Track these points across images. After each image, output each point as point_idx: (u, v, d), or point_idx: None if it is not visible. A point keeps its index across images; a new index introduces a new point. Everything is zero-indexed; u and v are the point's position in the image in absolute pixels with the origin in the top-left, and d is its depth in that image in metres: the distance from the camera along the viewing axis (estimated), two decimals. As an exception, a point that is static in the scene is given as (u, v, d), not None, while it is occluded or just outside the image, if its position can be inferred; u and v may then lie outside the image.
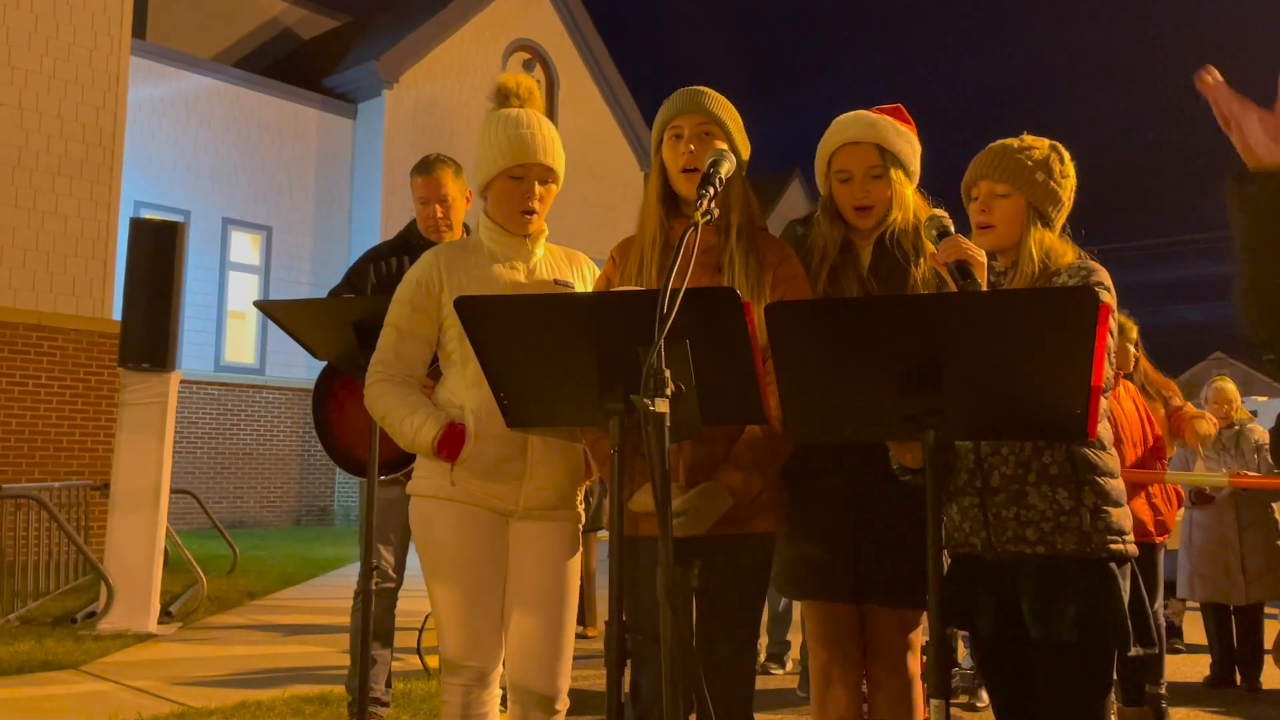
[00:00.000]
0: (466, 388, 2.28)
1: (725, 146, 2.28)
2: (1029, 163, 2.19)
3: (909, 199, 2.44)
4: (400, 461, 3.25)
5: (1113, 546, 2.02)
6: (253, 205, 15.10)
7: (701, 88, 2.34)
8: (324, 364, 3.35)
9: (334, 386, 3.47)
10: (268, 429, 14.94)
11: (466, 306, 1.90)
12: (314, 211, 15.75)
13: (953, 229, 2.06)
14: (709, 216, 1.90)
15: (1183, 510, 5.42)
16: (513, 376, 1.96)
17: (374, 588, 3.36)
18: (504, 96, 2.40)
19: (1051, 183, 2.19)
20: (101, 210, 9.26)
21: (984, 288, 1.96)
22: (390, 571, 3.51)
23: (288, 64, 18.18)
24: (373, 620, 3.37)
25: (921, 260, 2.38)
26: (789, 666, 5.32)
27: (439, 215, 3.55)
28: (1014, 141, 2.23)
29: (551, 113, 17.36)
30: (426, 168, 3.58)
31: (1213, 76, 1.53)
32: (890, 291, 2.36)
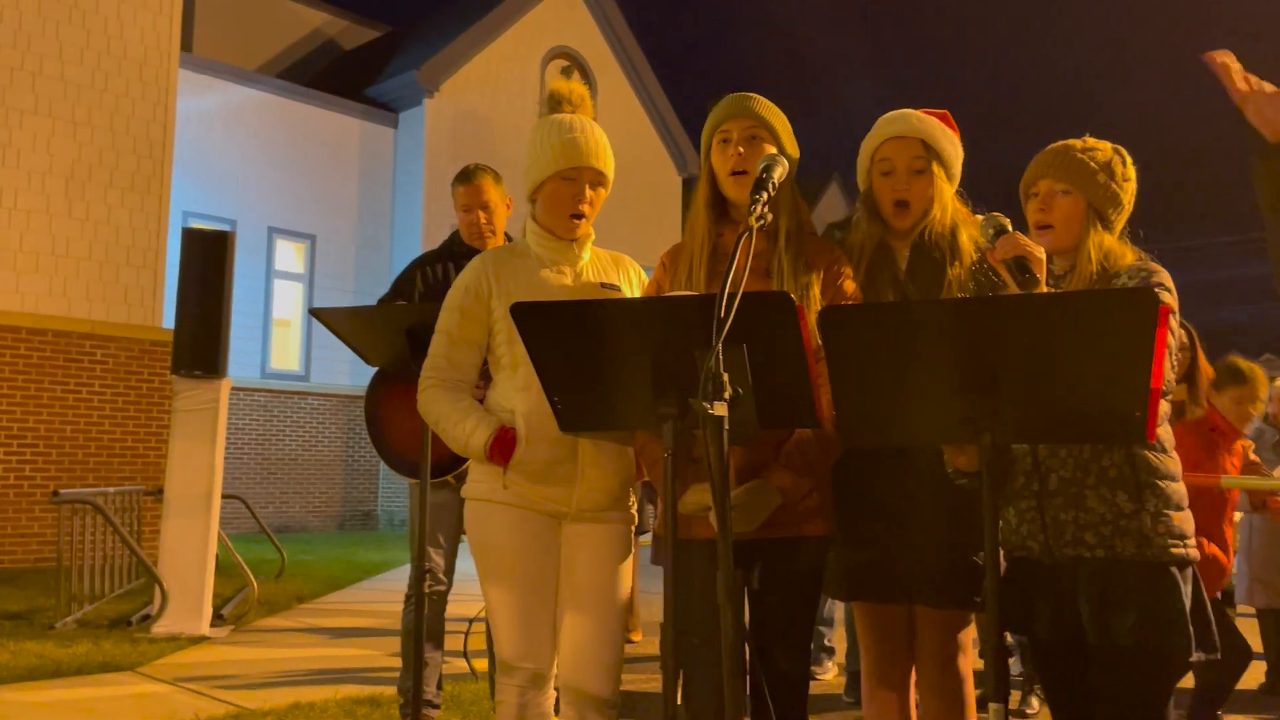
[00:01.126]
0: (516, 392, 2.31)
1: (774, 150, 2.29)
2: (1092, 164, 2.18)
3: (949, 199, 2.44)
4: (449, 464, 3.29)
5: (1174, 550, 1.99)
6: (297, 214, 15.31)
7: (750, 93, 2.36)
8: (374, 370, 3.41)
9: (386, 391, 3.53)
10: (312, 435, 15.13)
11: (522, 312, 1.93)
12: (357, 219, 15.93)
13: (1010, 227, 2.05)
14: (763, 221, 1.91)
15: (1240, 515, 5.33)
16: (567, 381, 1.99)
17: (425, 590, 3.41)
18: (556, 103, 2.43)
19: (1114, 185, 2.18)
20: (152, 220, 9.45)
21: (1043, 283, 1.95)
22: (440, 574, 3.56)
23: (330, 75, 18.43)
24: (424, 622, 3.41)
25: (957, 262, 2.37)
26: (834, 671, 5.29)
27: (482, 221, 3.62)
28: (1076, 142, 2.22)
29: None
30: (467, 176, 3.66)
31: (1222, 56, 1.56)
32: (927, 292, 2.36)
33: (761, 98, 2.36)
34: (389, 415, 3.50)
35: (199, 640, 5.58)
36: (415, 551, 3.02)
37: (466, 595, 4.20)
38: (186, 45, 15.31)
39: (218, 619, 6.07)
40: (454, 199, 3.71)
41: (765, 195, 1.96)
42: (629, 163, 17.76)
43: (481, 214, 3.62)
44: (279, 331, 15.29)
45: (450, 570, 3.63)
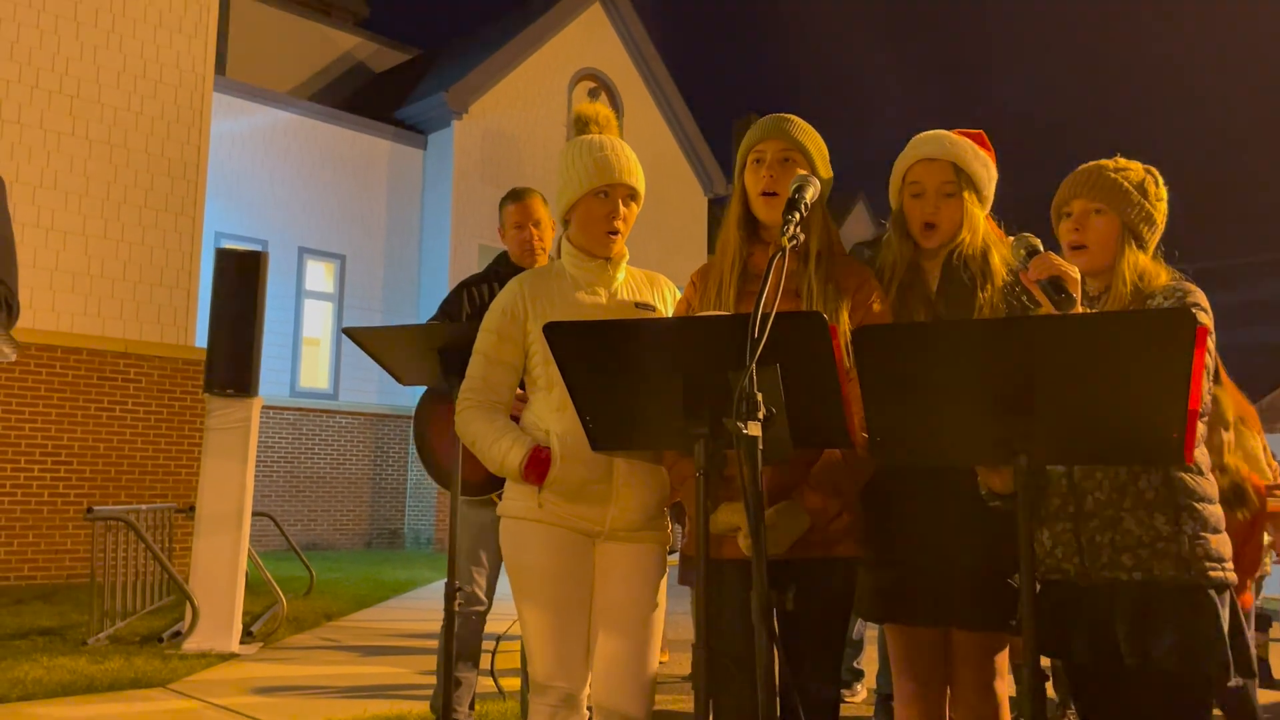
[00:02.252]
0: (551, 412, 2.32)
1: (806, 172, 2.30)
2: (1125, 183, 2.18)
3: (980, 222, 2.43)
4: (494, 482, 3.31)
5: (1212, 574, 1.97)
6: (327, 234, 15.48)
7: (787, 115, 2.37)
8: (416, 389, 3.45)
9: (435, 409, 3.57)
10: (341, 453, 15.23)
11: (555, 332, 1.94)
12: (386, 239, 16.09)
13: (1042, 248, 2.05)
14: (795, 241, 1.92)
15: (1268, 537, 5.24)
16: (599, 400, 1.99)
17: (464, 610, 3.43)
18: (583, 125, 2.46)
19: (1147, 204, 2.18)
20: (185, 241, 9.58)
21: (1079, 303, 1.95)
22: (481, 595, 3.56)
23: (361, 97, 18.66)
24: (461, 642, 3.43)
25: (989, 284, 2.37)
26: (863, 694, 5.25)
27: (535, 238, 3.68)
28: (1109, 163, 2.22)
29: (617, 140, 17.50)
30: (519, 195, 3.74)
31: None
32: (957, 314, 2.35)
33: (798, 120, 2.37)
34: (438, 433, 3.54)
35: (229, 657, 5.61)
36: (452, 569, 3.03)
37: (498, 615, 4.20)
38: (220, 68, 15.56)
39: (247, 636, 6.10)
40: (503, 219, 3.78)
41: (798, 216, 1.97)
42: (655, 183, 17.76)
43: (534, 230, 3.69)
44: (308, 350, 15.43)
45: (491, 590, 3.64)
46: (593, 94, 18.10)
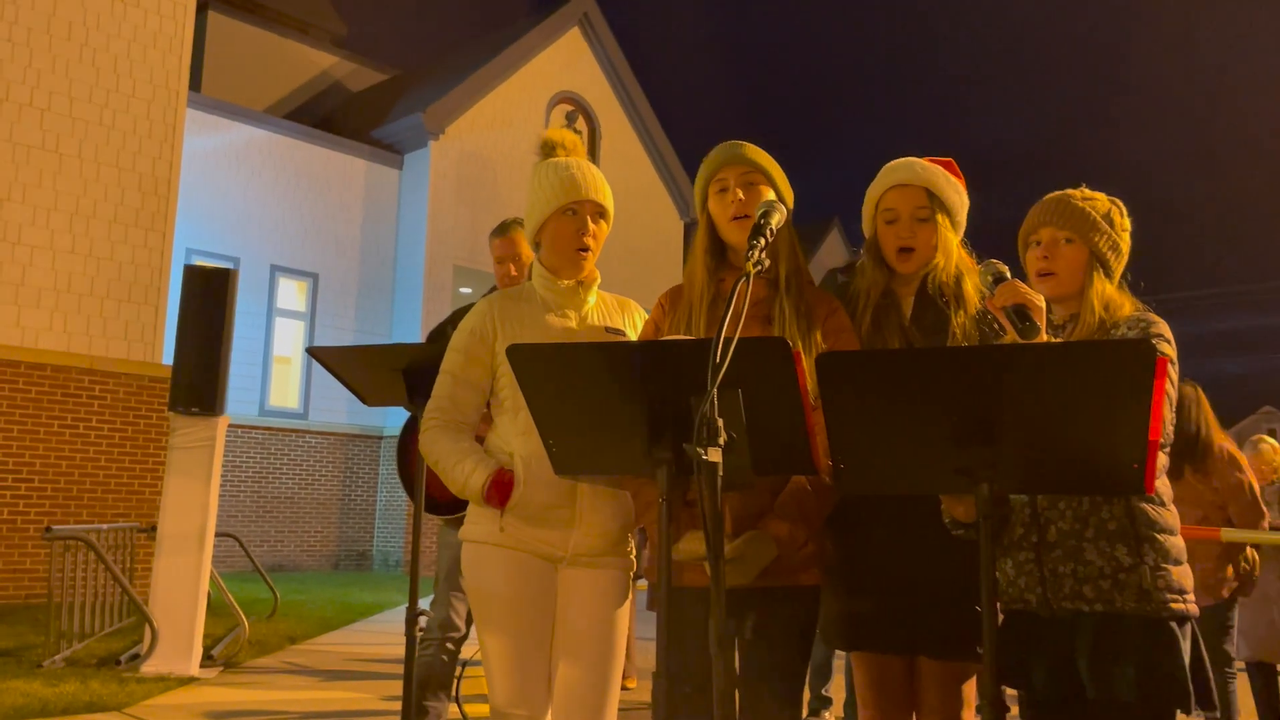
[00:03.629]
0: (516, 434, 2.30)
1: (772, 195, 2.31)
2: (1093, 213, 2.20)
3: (954, 247, 2.45)
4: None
5: (1173, 605, 1.97)
6: (300, 253, 15.37)
7: (741, 141, 2.37)
8: (405, 416, 3.41)
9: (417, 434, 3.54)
10: (309, 473, 15.07)
11: (517, 354, 1.92)
12: (359, 259, 16.00)
13: (1009, 275, 2.05)
14: (760, 266, 1.91)
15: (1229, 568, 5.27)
16: (561, 424, 1.97)
17: (439, 636, 3.38)
18: (550, 149, 2.46)
19: (1114, 233, 2.20)
20: (155, 257, 9.48)
21: (1043, 330, 1.95)
22: (459, 621, 3.50)
23: (337, 116, 18.61)
24: (433, 669, 3.38)
25: (961, 310, 2.37)
26: (831, 722, 5.22)
27: (513, 273, 3.67)
28: (1075, 192, 2.24)
29: (594, 163, 17.52)
30: (503, 230, 3.75)
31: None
32: (932, 340, 2.36)
33: (752, 145, 2.37)
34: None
35: (188, 681, 5.51)
36: (438, 594, 3.00)
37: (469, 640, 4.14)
38: (194, 84, 15.48)
39: (208, 659, 6.00)
40: (490, 251, 3.78)
41: (763, 241, 1.96)
42: (632, 206, 17.90)
43: (512, 265, 3.68)
44: (279, 369, 15.28)
45: (471, 618, 3.59)
46: (570, 117, 18.16)
